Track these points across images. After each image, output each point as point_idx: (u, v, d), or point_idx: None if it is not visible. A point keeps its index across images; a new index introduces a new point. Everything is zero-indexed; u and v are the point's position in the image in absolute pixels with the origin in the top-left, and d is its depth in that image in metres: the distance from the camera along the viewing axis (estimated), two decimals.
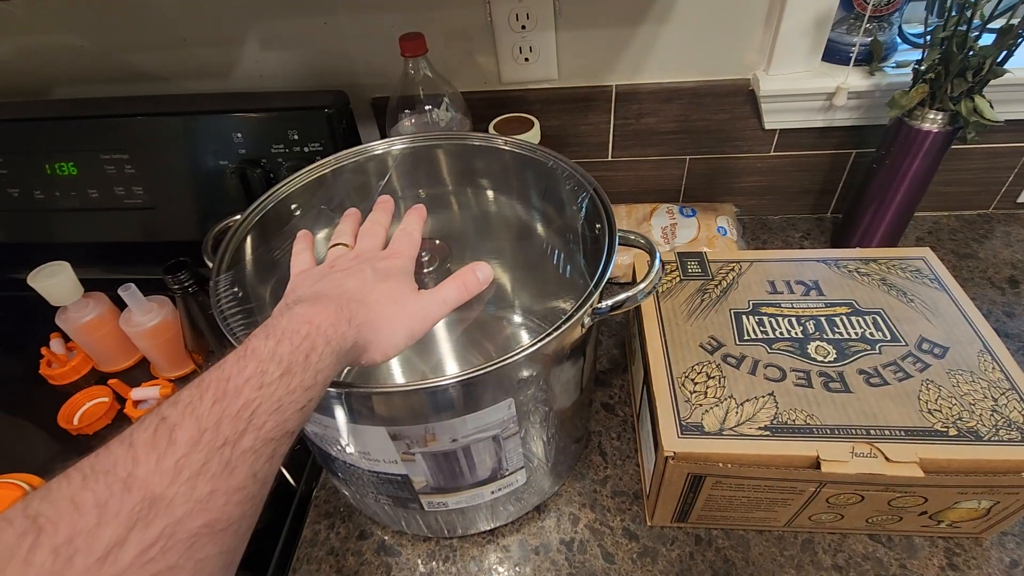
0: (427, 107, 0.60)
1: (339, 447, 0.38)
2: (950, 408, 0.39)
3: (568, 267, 0.44)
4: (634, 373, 0.54)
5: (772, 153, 0.69)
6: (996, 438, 0.38)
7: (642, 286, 0.36)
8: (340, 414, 0.34)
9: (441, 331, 0.58)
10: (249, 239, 0.43)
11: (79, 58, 0.67)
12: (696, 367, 0.44)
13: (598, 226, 0.42)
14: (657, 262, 0.37)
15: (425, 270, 0.44)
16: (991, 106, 0.53)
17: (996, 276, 0.66)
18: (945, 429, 0.38)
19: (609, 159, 0.72)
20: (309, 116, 0.58)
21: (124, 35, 0.65)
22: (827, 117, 0.64)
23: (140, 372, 0.67)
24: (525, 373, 0.34)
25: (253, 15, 0.62)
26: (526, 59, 0.63)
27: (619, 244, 0.38)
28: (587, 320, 0.35)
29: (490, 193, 0.48)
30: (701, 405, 0.41)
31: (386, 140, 0.48)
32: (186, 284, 0.45)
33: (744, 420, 0.40)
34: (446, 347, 0.57)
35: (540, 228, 0.48)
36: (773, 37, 0.60)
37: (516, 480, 0.42)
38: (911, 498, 0.39)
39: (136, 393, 0.60)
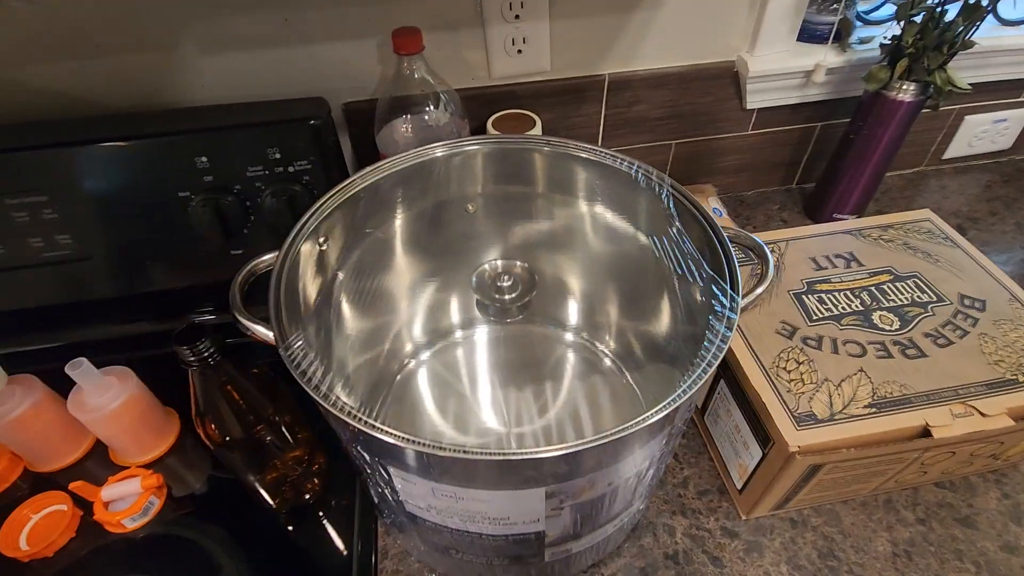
0: (426, 108, 0.54)
1: (463, 519, 0.32)
2: (1010, 357, 0.43)
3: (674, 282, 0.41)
4: None
5: (750, 132, 0.71)
6: None
7: (763, 288, 0.35)
8: (494, 483, 0.29)
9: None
10: (305, 282, 0.35)
11: None
12: (782, 355, 0.44)
13: (677, 225, 0.40)
14: (771, 263, 0.36)
15: (507, 296, 0.39)
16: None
17: None
18: (1015, 377, 0.41)
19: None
20: (292, 129, 0.49)
21: (7, 44, 0.50)
22: (802, 93, 0.68)
23: (92, 464, 0.54)
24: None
25: (188, 13, 0.51)
26: (519, 51, 0.59)
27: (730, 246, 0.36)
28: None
29: (569, 202, 0.44)
30: (803, 392, 0.41)
31: (429, 146, 0.41)
32: (207, 356, 0.36)
33: (848, 401, 0.40)
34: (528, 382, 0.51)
35: (625, 242, 0.44)
36: (758, 19, 0.61)
37: (637, 508, 0.39)
38: (992, 444, 0.42)
39: (108, 492, 0.48)
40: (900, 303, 0.47)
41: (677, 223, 0.39)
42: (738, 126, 0.71)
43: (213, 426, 0.40)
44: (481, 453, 0.25)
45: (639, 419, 0.26)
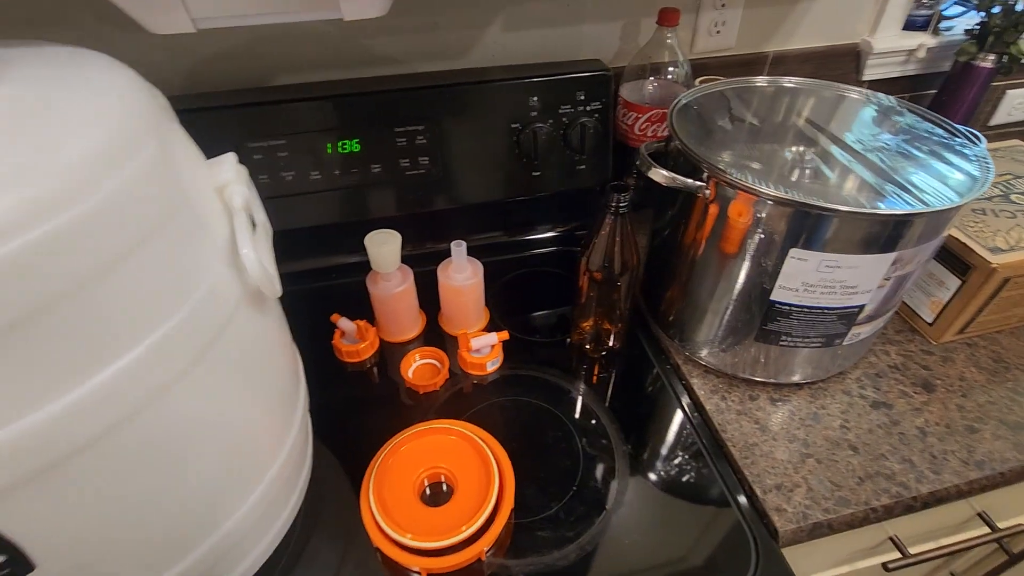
0: (670, 68, 0.73)
1: (824, 292, 0.50)
2: None
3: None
4: None
5: None
6: None
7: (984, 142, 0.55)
8: (868, 246, 0.47)
9: None
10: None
11: (312, 44, 0.69)
12: (962, 219, 0.64)
13: (907, 115, 0.59)
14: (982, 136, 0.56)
15: (807, 167, 0.57)
16: None
17: None
18: None
19: None
20: (595, 79, 0.68)
21: (377, 21, 0.68)
22: (902, 69, 0.90)
23: (424, 339, 0.69)
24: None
25: (501, 3, 0.70)
26: (717, 31, 0.79)
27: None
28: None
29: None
30: (986, 236, 0.61)
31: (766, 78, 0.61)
32: (623, 205, 0.53)
33: (1018, 240, 0.60)
34: None
35: None
36: (880, 11, 0.84)
37: (888, 317, 0.58)
38: None
39: (476, 341, 0.64)
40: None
41: (908, 114, 0.59)
42: None
43: (600, 260, 0.57)
44: (888, 212, 0.44)
45: (968, 196, 0.45)
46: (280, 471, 0.43)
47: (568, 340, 0.68)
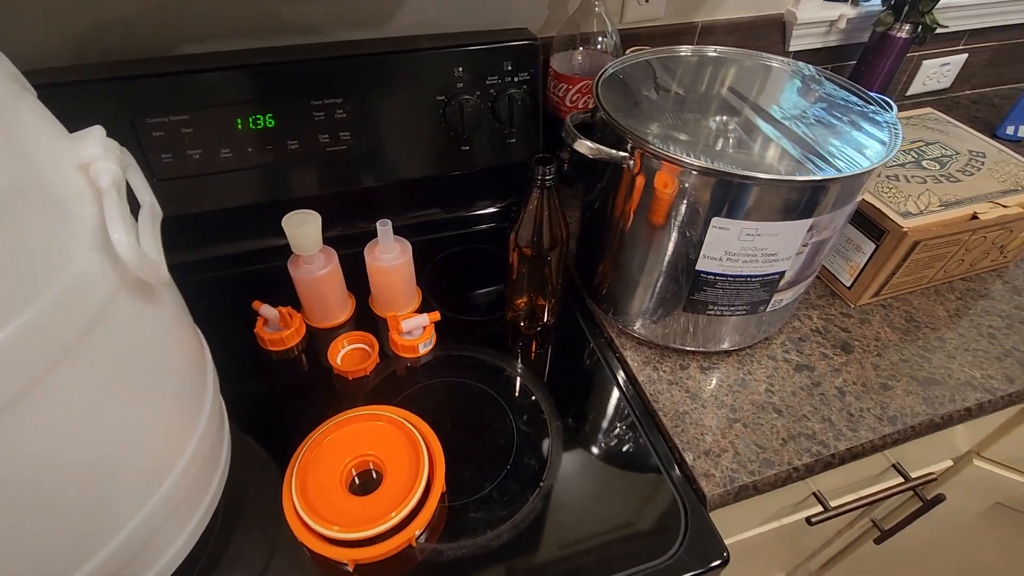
0: (599, 39, 0.72)
1: (745, 260, 0.51)
2: (1010, 177, 0.67)
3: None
4: None
5: None
6: None
7: (895, 111, 0.56)
8: (785, 211, 0.47)
9: None
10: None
11: (218, 10, 0.63)
12: (876, 185, 0.66)
13: (827, 84, 0.60)
14: (893, 103, 0.57)
15: (730, 135, 0.58)
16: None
17: None
18: (1015, 188, 0.66)
19: None
20: (523, 49, 0.66)
21: None
22: (824, 40, 0.92)
23: (347, 327, 0.66)
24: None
25: None
26: (647, 0, 0.78)
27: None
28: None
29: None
30: (899, 201, 0.63)
31: (676, 47, 0.60)
32: (550, 178, 0.52)
33: (927, 204, 0.63)
34: None
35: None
36: None
37: (808, 282, 0.59)
38: (1005, 232, 0.67)
39: (406, 323, 0.62)
40: (936, 156, 0.71)
41: (827, 83, 0.60)
42: None
43: (529, 235, 0.55)
44: (804, 179, 0.44)
45: (877, 162, 0.46)
46: (188, 467, 0.40)
47: (504, 317, 0.67)
